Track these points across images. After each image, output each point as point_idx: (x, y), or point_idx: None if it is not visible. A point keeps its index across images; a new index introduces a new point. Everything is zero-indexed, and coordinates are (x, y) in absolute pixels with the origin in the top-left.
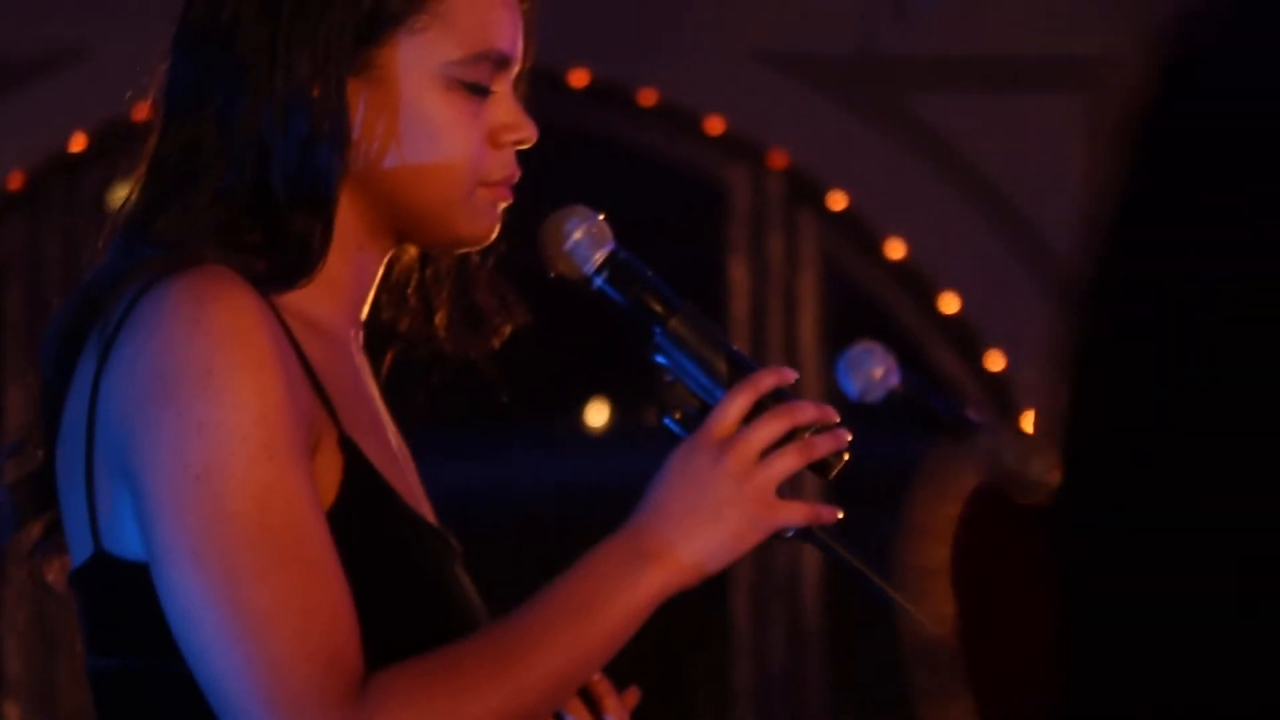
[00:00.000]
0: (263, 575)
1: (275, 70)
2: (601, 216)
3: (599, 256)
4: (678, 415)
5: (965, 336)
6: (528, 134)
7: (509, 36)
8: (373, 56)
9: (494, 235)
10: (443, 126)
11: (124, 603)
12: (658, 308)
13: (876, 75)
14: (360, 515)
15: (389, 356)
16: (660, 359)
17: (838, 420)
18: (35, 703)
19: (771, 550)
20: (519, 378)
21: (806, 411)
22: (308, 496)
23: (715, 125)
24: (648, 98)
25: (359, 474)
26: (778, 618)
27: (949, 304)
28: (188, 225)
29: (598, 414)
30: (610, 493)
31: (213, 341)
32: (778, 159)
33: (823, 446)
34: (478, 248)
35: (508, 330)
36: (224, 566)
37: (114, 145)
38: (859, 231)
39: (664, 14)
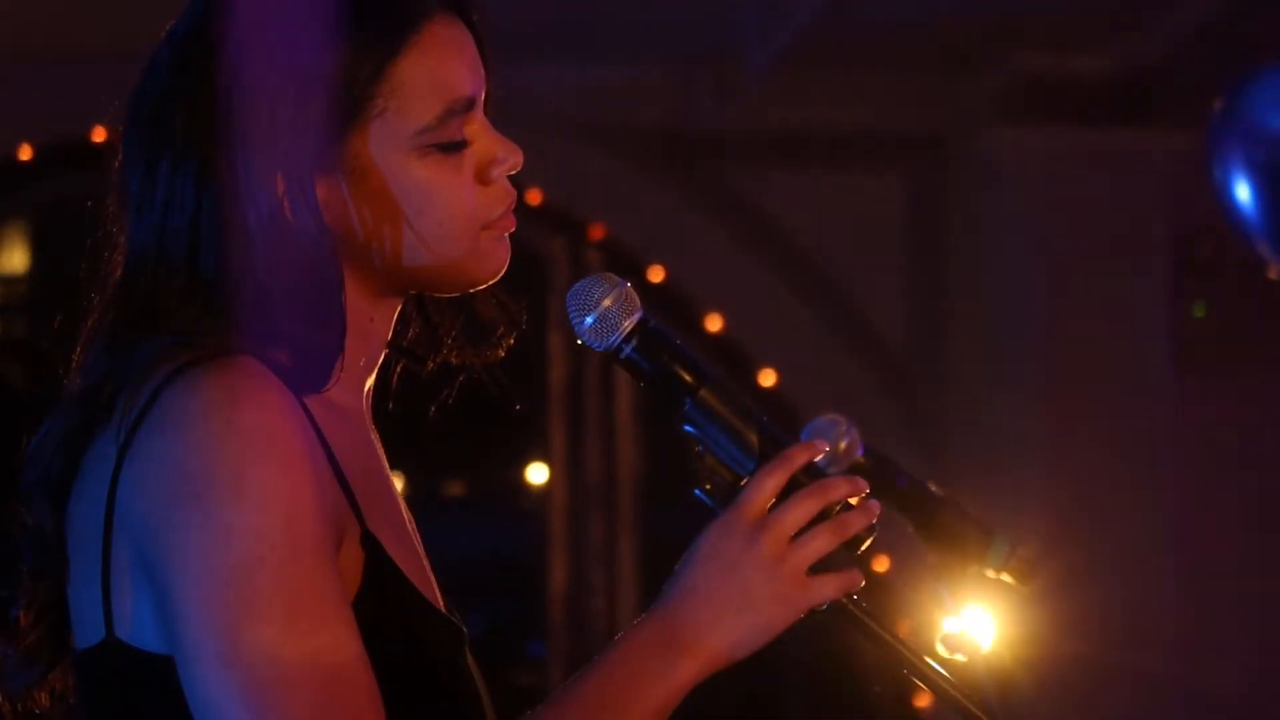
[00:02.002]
0: (292, 683)
1: (244, 195)
2: (629, 284)
3: (628, 325)
4: (708, 487)
5: (782, 410)
6: (513, 161)
7: (467, 78)
8: (341, 153)
9: (506, 266)
10: (431, 194)
11: (137, 691)
12: (688, 378)
13: (697, 150)
14: (379, 612)
15: (396, 373)
16: (690, 429)
17: (867, 492)
18: None
19: None
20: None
21: (839, 489)
22: (336, 598)
23: (534, 197)
24: None
25: (380, 571)
26: None
27: (766, 378)
28: (203, 315)
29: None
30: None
31: (244, 443)
32: (597, 232)
33: (855, 524)
34: (493, 282)
35: (513, 340)
36: (253, 674)
37: None
38: (677, 304)
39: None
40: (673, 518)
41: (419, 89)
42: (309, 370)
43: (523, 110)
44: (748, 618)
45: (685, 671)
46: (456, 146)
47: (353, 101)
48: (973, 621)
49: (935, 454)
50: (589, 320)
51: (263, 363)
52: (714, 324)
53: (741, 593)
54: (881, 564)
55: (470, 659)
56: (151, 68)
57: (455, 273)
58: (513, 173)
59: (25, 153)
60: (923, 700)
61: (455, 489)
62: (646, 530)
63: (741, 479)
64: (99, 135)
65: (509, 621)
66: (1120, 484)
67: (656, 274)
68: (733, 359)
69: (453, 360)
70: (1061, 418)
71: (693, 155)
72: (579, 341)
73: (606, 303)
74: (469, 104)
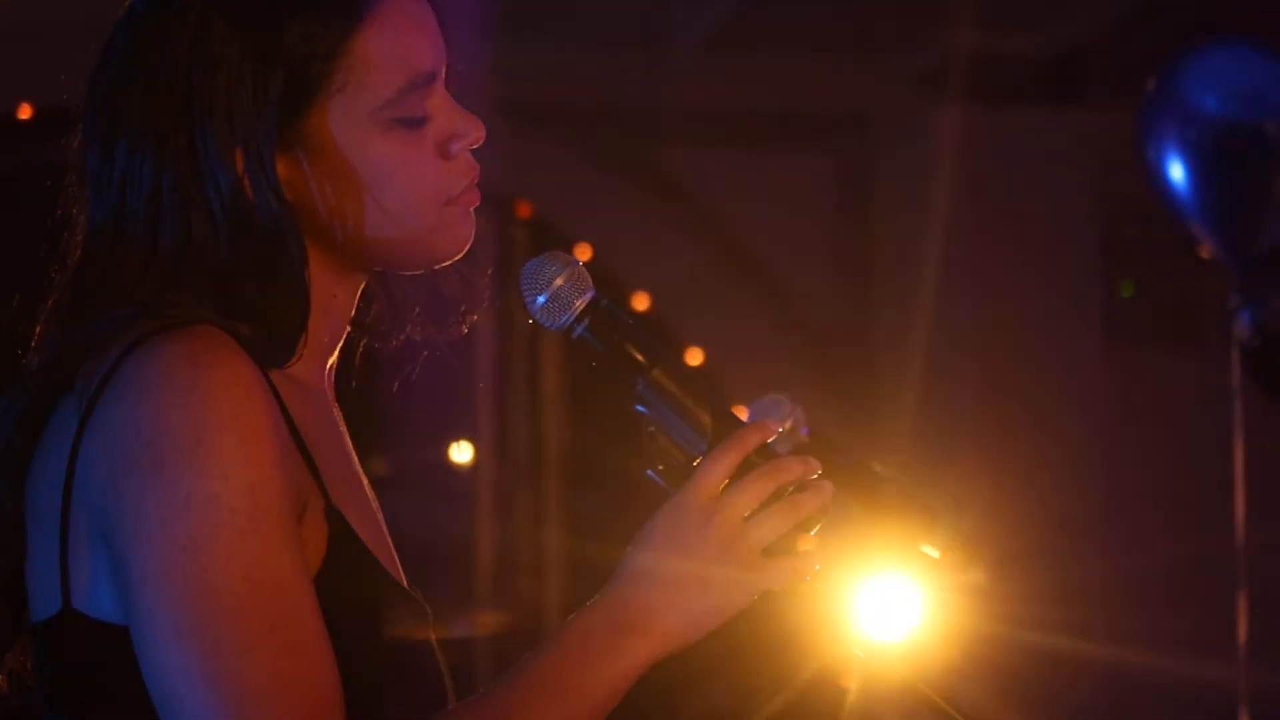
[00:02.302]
0: (247, 651)
1: (203, 172)
2: (581, 264)
3: (580, 304)
4: (660, 468)
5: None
6: (475, 135)
7: (428, 52)
8: (302, 129)
9: (470, 241)
10: (393, 168)
11: (95, 661)
12: (640, 357)
13: (625, 130)
14: (341, 586)
15: (359, 350)
16: (642, 409)
17: (819, 473)
18: None
19: None
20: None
21: (791, 469)
22: (295, 569)
23: None
24: None
25: (343, 545)
26: None
27: (694, 357)
28: (164, 289)
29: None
30: None
31: (205, 410)
32: (524, 209)
33: (808, 505)
34: (456, 258)
35: (475, 316)
36: (209, 642)
37: None
38: (604, 283)
39: None
40: (602, 495)
41: (379, 63)
42: (272, 344)
43: (451, 89)
44: (701, 600)
45: (638, 653)
46: (418, 121)
47: (312, 77)
48: (903, 598)
49: (864, 434)
50: (540, 299)
51: (226, 334)
52: (641, 303)
53: (695, 574)
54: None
55: (433, 637)
56: (109, 46)
57: (419, 248)
58: (474, 147)
59: None
60: (850, 681)
61: (379, 467)
62: (574, 508)
63: (695, 459)
64: (24, 113)
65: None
66: (1052, 459)
67: (584, 252)
68: (659, 338)
69: (415, 337)
70: (991, 395)
71: (621, 134)
72: (529, 321)
73: (559, 281)
74: (429, 78)
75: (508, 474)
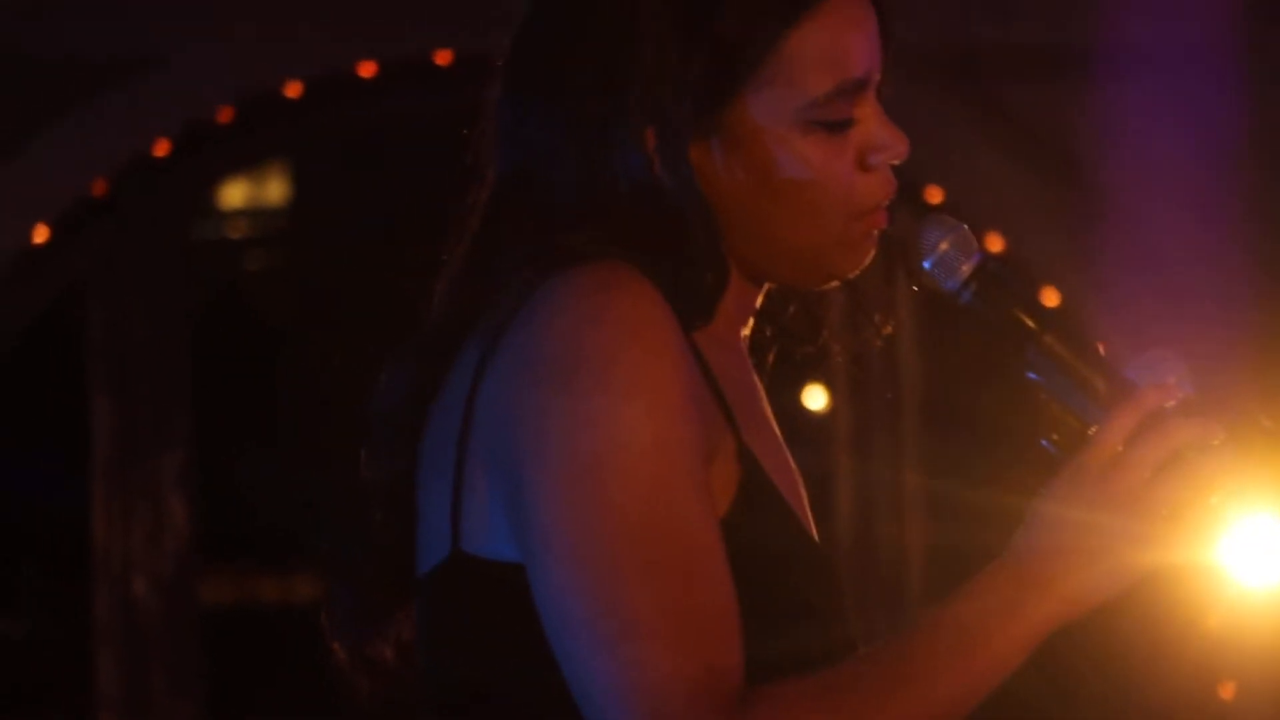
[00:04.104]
0: (643, 576)
1: (612, 146)
2: (966, 226)
3: (966, 268)
4: (1055, 437)
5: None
6: (898, 150)
7: (863, 57)
8: (721, 118)
9: (866, 265)
10: (808, 173)
11: (485, 608)
12: (1030, 322)
13: (970, 68)
14: (753, 528)
15: (771, 355)
16: (1034, 376)
17: (1220, 438)
18: (130, 715)
19: None
20: None
21: (1190, 430)
22: (700, 499)
23: None
24: None
25: (755, 486)
26: None
27: (1050, 299)
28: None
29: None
30: None
31: (616, 332)
32: (933, 194)
33: (1208, 468)
34: (848, 279)
35: (889, 329)
36: (603, 564)
37: (196, 149)
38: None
39: None
40: (962, 438)
41: (812, 61)
42: (684, 304)
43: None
44: (1102, 561)
45: (1039, 611)
46: (843, 125)
47: (740, 66)
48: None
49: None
50: (925, 264)
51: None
52: (995, 244)
53: (1095, 535)
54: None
55: (847, 604)
56: (541, 4)
57: (816, 260)
58: (895, 162)
59: (292, 89)
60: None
61: None
62: (933, 451)
63: (1090, 427)
64: (366, 70)
65: None
66: None
67: (934, 195)
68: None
69: (833, 346)
70: None
71: (966, 73)
72: (913, 288)
73: (944, 246)
74: (861, 84)
75: (864, 418)
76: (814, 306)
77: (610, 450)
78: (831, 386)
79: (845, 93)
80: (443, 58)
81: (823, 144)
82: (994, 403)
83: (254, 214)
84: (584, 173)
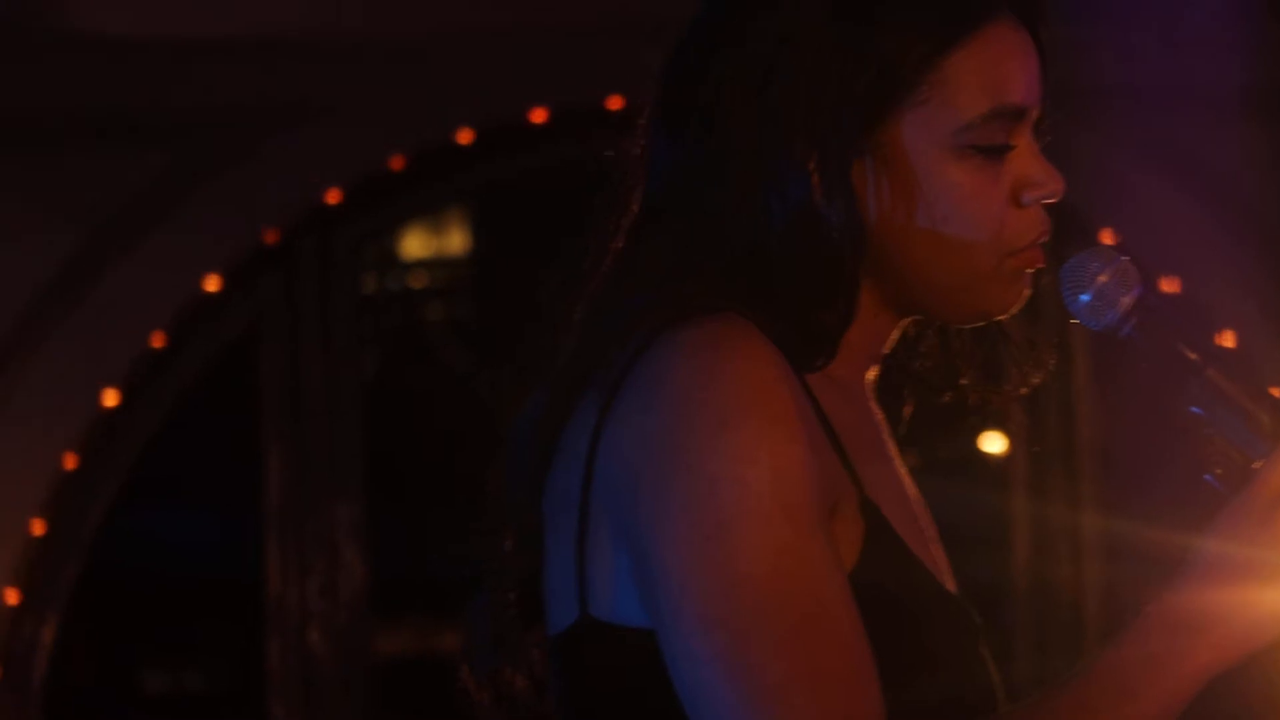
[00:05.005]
0: (777, 645)
1: (769, 170)
2: (1127, 258)
3: (1126, 301)
4: (1219, 472)
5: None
6: (1054, 187)
7: (1021, 86)
8: (875, 137)
9: (1019, 305)
10: (960, 199)
11: (617, 669)
12: (1192, 355)
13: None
14: (881, 584)
15: (908, 405)
16: (1197, 410)
17: None
18: None
19: None
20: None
21: None
22: (827, 560)
23: None
24: None
25: (881, 540)
26: None
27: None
28: (696, 281)
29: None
30: None
31: (730, 394)
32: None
33: None
34: (1000, 318)
35: (1037, 380)
36: (735, 634)
37: (368, 199)
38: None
39: None
40: (1139, 485)
41: (969, 84)
42: (806, 345)
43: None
44: (1263, 601)
45: (1198, 657)
46: (998, 151)
47: (898, 85)
48: None
49: None
50: (1084, 298)
51: (749, 321)
52: (1170, 286)
53: (1259, 576)
54: None
55: (985, 651)
56: (694, 23)
57: (967, 299)
58: (1050, 201)
59: (464, 136)
60: None
61: (910, 460)
62: (1110, 497)
63: (1254, 462)
64: (537, 117)
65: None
66: None
67: (1107, 237)
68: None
69: (970, 396)
70: None
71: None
72: (1071, 321)
73: (1103, 278)
74: (1018, 113)
75: (1041, 463)
76: (953, 353)
77: (732, 518)
78: (1006, 430)
79: (1002, 117)
80: (614, 103)
81: (976, 171)
82: (1169, 440)
83: (433, 264)
84: (734, 205)
